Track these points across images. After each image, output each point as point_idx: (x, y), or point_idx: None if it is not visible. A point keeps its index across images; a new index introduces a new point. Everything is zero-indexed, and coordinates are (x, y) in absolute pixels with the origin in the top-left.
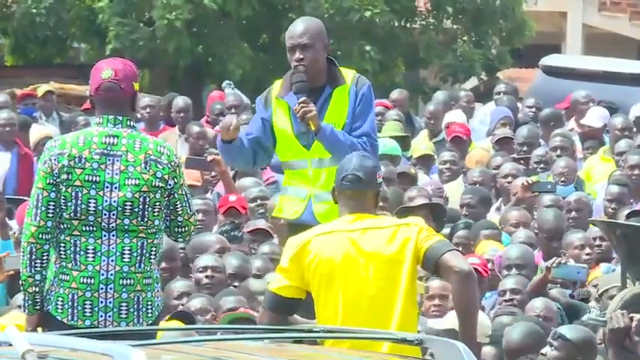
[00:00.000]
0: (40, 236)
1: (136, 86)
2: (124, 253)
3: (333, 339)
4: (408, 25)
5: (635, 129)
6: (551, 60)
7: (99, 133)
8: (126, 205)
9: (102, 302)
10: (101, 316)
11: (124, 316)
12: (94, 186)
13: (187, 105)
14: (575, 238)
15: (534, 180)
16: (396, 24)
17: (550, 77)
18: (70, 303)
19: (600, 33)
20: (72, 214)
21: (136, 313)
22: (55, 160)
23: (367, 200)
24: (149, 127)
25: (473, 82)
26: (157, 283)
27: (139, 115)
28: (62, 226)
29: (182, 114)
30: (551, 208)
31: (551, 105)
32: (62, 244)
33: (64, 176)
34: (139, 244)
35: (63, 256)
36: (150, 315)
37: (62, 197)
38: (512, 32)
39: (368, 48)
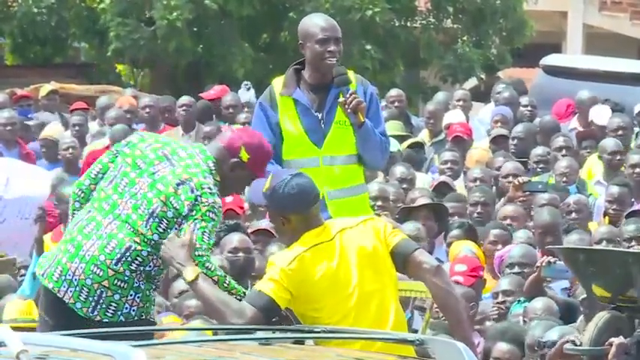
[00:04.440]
0: (77, 191)
1: (244, 155)
2: (110, 244)
3: (332, 339)
4: (408, 24)
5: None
6: (551, 60)
7: (182, 146)
8: (143, 202)
9: (69, 275)
10: (64, 286)
11: (82, 299)
12: (137, 170)
13: (191, 101)
14: (576, 239)
15: (526, 180)
16: (396, 23)
17: (551, 77)
18: (51, 259)
19: (601, 32)
20: (106, 184)
21: (94, 304)
22: (132, 136)
23: (318, 210)
24: (149, 127)
25: (473, 81)
26: (136, 293)
27: (139, 116)
28: (93, 196)
29: (184, 108)
30: (546, 206)
31: (552, 105)
32: (86, 212)
33: (126, 149)
34: (127, 245)
35: (78, 220)
36: (110, 315)
37: (110, 163)
38: (512, 32)
39: (368, 47)
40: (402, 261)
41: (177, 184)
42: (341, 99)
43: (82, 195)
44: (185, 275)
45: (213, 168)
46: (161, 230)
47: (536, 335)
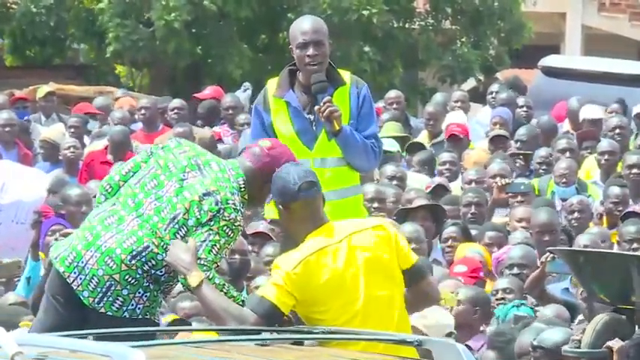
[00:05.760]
0: (105, 185)
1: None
2: (128, 240)
3: (332, 340)
4: (407, 25)
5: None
6: (550, 61)
7: (216, 159)
8: (167, 206)
9: (82, 262)
10: (74, 272)
11: (90, 289)
12: (167, 173)
13: (182, 104)
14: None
15: (508, 181)
16: (395, 24)
17: (549, 78)
18: (66, 244)
19: (600, 34)
20: (135, 182)
21: (101, 295)
22: (170, 140)
23: (321, 204)
24: (147, 128)
25: (472, 82)
26: (144, 292)
27: (136, 117)
28: (120, 191)
29: (176, 111)
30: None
31: (551, 106)
32: (110, 204)
33: (161, 151)
34: (145, 245)
35: (100, 211)
36: (115, 309)
37: (143, 163)
38: (510, 33)
39: (367, 49)
40: (416, 279)
41: (204, 194)
42: (317, 107)
43: (110, 190)
44: (189, 280)
45: (242, 186)
46: (179, 237)
47: (558, 341)
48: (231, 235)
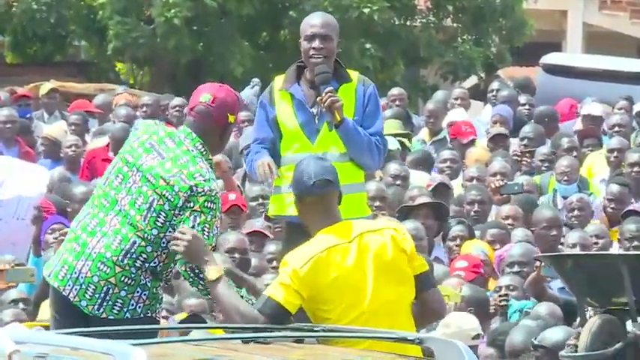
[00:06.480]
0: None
1: (231, 118)
2: (115, 240)
3: (332, 338)
4: (408, 23)
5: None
6: (551, 58)
7: (169, 132)
8: (139, 197)
9: (75, 273)
10: (69, 284)
11: (88, 297)
12: (128, 164)
13: (184, 102)
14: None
15: (502, 183)
16: (396, 22)
17: (550, 75)
18: (56, 260)
19: (601, 31)
20: (103, 182)
21: (100, 301)
22: (129, 136)
23: (335, 201)
24: None
25: (473, 80)
26: (143, 290)
27: (138, 114)
28: (93, 194)
29: (177, 109)
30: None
31: (552, 104)
32: (88, 209)
33: (122, 149)
34: (132, 241)
35: (80, 219)
36: (115, 312)
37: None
38: (512, 31)
39: (368, 46)
40: (422, 289)
41: (170, 177)
42: (318, 97)
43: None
44: (208, 274)
45: (202, 150)
46: (159, 224)
47: (521, 340)
48: (214, 207)
